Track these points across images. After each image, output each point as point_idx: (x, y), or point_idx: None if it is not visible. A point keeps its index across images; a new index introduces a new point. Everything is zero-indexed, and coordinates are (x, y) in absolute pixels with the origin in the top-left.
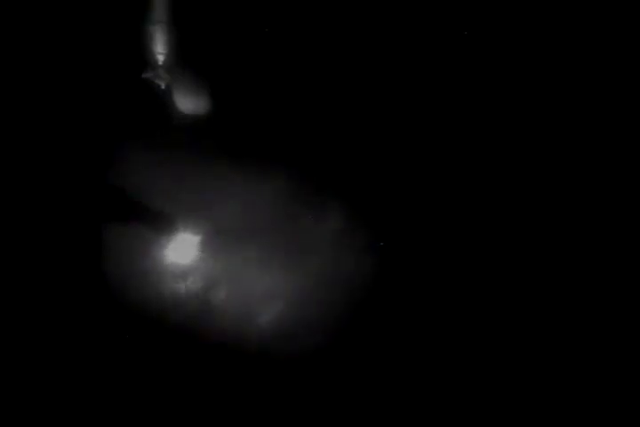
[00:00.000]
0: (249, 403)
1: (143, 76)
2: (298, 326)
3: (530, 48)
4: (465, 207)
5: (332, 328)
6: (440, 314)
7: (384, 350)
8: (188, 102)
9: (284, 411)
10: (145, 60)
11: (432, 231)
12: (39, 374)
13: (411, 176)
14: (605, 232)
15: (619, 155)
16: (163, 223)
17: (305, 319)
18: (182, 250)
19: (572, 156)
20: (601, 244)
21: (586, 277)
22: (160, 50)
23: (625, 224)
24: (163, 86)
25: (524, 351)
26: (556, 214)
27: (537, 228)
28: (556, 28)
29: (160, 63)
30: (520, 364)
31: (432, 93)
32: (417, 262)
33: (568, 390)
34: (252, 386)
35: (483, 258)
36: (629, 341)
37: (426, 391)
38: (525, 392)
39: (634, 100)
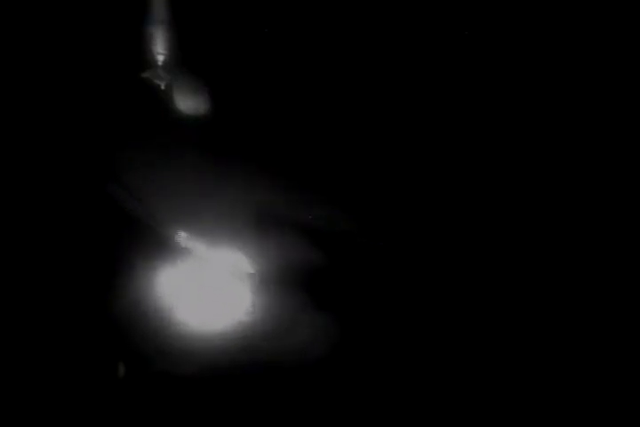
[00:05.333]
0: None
1: (143, 76)
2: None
3: (531, 48)
4: (465, 208)
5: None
6: (442, 314)
7: (387, 351)
8: (188, 102)
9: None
10: (145, 60)
11: (433, 232)
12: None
13: (411, 176)
14: (605, 232)
15: (619, 155)
16: (162, 226)
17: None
18: (182, 263)
19: (572, 156)
20: (601, 244)
21: (587, 277)
22: (160, 50)
23: (625, 224)
24: (163, 86)
25: (525, 352)
26: (557, 215)
27: (538, 228)
28: (556, 28)
29: (160, 63)
30: (521, 364)
31: (433, 94)
32: (418, 263)
33: (568, 391)
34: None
35: (484, 259)
36: (629, 341)
37: (427, 392)
38: (527, 392)
39: (634, 101)
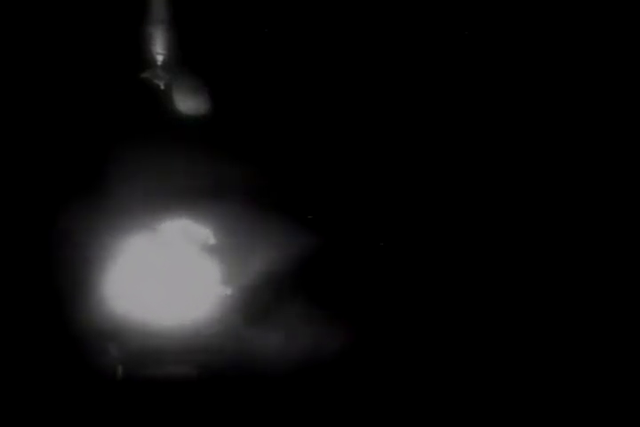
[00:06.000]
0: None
1: (142, 75)
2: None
3: (531, 48)
4: (465, 208)
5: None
6: (441, 316)
7: (387, 354)
8: (188, 102)
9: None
10: (145, 60)
11: (432, 232)
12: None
13: (410, 177)
14: (605, 233)
15: (619, 155)
16: (160, 228)
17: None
18: (178, 263)
19: (572, 156)
20: (601, 245)
21: (586, 277)
22: (159, 50)
23: (625, 225)
24: (162, 86)
25: (524, 353)
26: (557, 215)
27: (538, 228)
28: (557, 27)
29: (160, 63)
30: (521, 365)
31: (433, 95)
32: (417, 263)
33: (568, 391)
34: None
35: (483, 260)
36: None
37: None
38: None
39: (634, 101)
